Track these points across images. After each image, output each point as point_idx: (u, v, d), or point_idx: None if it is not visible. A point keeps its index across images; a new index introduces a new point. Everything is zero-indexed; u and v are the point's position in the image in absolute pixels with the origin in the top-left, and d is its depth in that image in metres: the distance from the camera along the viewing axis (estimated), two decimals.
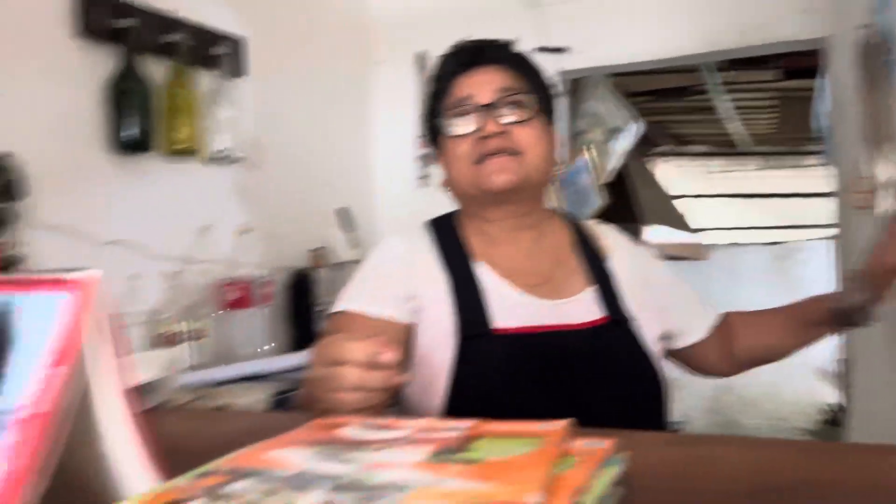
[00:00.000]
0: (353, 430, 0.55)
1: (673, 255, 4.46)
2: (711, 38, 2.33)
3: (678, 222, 4.56)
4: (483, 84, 1.12)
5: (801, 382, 5.18)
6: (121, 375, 0.45)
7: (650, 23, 2.40)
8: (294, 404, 1.01)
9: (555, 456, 0.45)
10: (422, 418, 0.57)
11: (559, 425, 0.53)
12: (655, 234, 3.84)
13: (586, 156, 2.55)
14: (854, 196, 1.72)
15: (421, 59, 2.75)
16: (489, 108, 1.09)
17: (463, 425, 0.55)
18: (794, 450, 0.67)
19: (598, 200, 2.59)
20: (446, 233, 1.17)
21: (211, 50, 2.03)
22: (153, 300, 1.85)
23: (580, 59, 2.52)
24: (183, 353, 1.00)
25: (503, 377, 1.02)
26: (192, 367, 1.83)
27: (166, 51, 1.89)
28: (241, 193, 2.19)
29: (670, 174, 6.30)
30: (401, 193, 2.80)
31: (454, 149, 1.12)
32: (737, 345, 1.22)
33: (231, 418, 0.89)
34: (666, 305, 1.18)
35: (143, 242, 1.85)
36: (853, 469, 0.58)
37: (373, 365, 0.71)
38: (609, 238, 1.21)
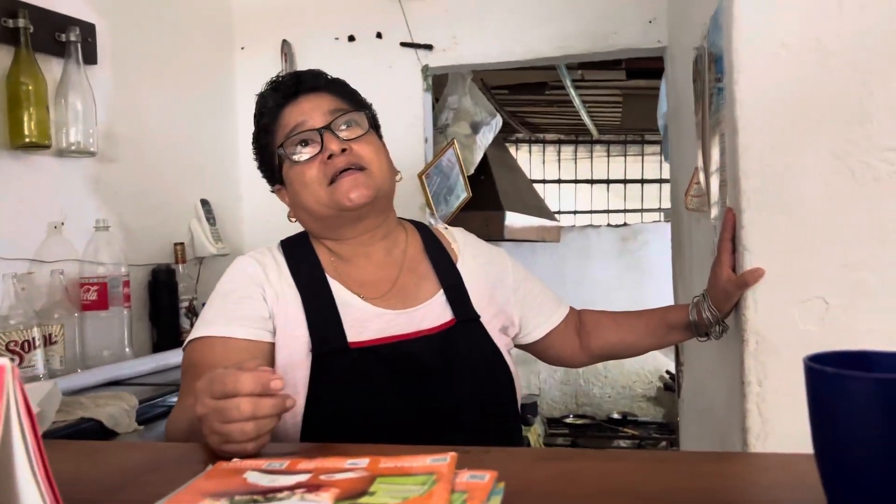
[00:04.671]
0: (256, 475, 0.59)
1: (531, 238, 4.70)
2: (566, 42, 2.49)
3: (537, 208, 4.80)
4: (311, 109, 1.14)
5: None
6: (32, 432, 0.46)
7: (511, 26, 2.52)
8: (170, 432, 1.00)
9: (448, 496, 0.51)
10: (317, 458, 0.61)
11: (446, 459, 0.60)
12: (515, 219, 4.03)
13: (452, 150, 2.64)
14: (688, 198, 1.92)
15: (287, 46, 2.71)
16: (325, 129, 1.12)
17: (360, 463, 0.60)
18: (639, 460, 0.78)
19: (465, 192, 2.69)
20: (299, 251, 1.18)
21: (59, 35, 1.90)
22: (1, 305, 1.73)
23: (444, 57, 2.59)
24: (56, 386, 0.97)
25: (360, 391, 1.05)
26: (49, 376, 1.74)
27: (8, 37, 1.75)
28: (95, 188, 2.08)
29: (527, 160, 6.61)
30: (266, 184, 2.75)
31: (302, 175, 1.13)
32: (594, 340, 1.34)
33: (123, 450, 0.89)
34: (514, 302, 1.25)
35: None
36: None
37: (264, 394, 0.75)
38: (458, 241, 1.27)
